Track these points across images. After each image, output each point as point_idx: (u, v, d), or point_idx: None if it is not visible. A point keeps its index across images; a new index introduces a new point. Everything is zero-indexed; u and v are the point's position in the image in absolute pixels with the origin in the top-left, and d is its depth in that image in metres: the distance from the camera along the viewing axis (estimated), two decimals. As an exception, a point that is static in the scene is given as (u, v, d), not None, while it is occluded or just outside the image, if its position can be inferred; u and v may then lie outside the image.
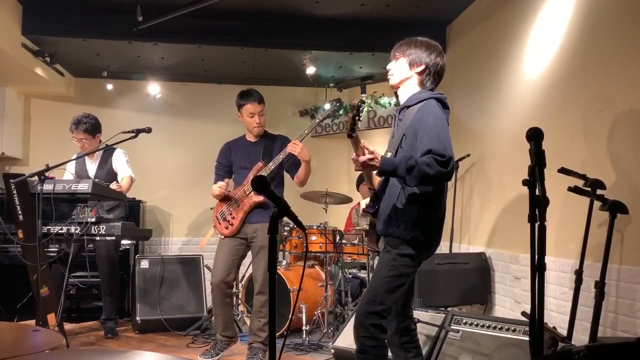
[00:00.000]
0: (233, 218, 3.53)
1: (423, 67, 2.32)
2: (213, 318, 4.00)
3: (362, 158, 2.12)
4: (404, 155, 2.14)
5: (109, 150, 4.25)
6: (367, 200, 2.48)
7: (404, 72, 2.36)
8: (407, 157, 2.07)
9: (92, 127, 4.17)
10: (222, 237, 3.58)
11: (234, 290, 4.20)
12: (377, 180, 2.46)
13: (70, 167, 4.31)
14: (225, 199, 3.59)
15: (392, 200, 2.26)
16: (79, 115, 4.20)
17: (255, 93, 3.58)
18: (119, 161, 4.29)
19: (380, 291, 2.19)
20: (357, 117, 2.15)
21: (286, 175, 3.68)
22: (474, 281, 3.99)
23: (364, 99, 5.97)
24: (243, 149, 3.65)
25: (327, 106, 3.47)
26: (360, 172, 2.34)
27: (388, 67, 2.42)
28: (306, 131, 3.39)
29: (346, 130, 2.17)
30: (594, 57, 3.03)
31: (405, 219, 2.21)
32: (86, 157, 4.24)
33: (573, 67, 3.22)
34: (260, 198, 3.46)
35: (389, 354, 2.35)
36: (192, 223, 6.25)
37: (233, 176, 3.71)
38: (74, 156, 4.17)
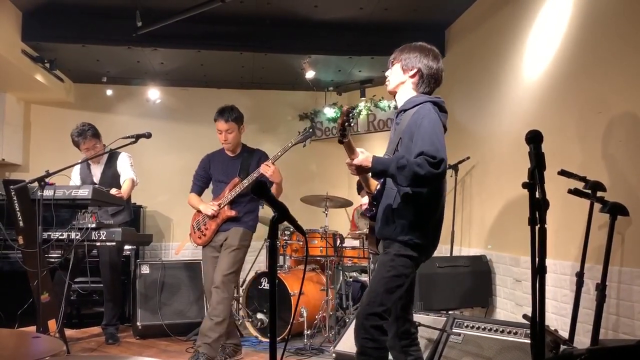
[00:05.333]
0: (207, 229, 3.66)
1: (415, 70, 2.36)
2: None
3: (356, 161, 2.18)
4: (397, 155, 2.16)
5: (114, 154, 4.27)
6: (366, 199, 2.50)
7: (398, 77, 2.41)
8: (399, 157, 2.11)
9: (96, 132, 4.18)
10: (195, 245, 3.74)
11: (235, 294, 4.19)
12: (374, 184, 2.48)
13: (76, 173, 4.29)
14: None
15: (389, 202, 2.28)
16: (77, 127, 4.11)
17: (226, 111, 3.60)
18: (123, 163, 4.29)
19: (380, 292, 2.20)
20: (346, 124, 2.16)
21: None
22: (475, 284, 3.98)
23: (359, 104, 5.99)
24: (222, 162, 3.73)
25: (300, 132, 3.57)
26: (357, 176, 2.37)
27: (386, 74, 2.48)
28: (279, 153, 3.50)
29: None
30: (593, 60, 3.04)
31: (402, 221, 2.23)
32: (90, 162, 4.25)
33: (572, 69, 3.22)
34: (232, 213, 3.58)
35: (390, 357, 2.35)
36: (193, 228, 6.24)
37: (212, 187, 3.80)
38: (78, 161, 4.16)
